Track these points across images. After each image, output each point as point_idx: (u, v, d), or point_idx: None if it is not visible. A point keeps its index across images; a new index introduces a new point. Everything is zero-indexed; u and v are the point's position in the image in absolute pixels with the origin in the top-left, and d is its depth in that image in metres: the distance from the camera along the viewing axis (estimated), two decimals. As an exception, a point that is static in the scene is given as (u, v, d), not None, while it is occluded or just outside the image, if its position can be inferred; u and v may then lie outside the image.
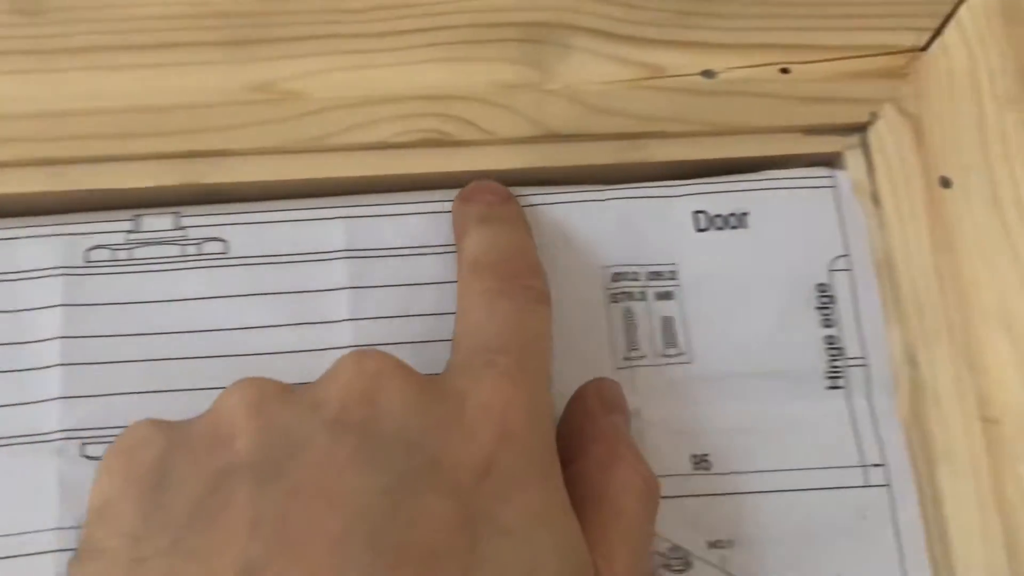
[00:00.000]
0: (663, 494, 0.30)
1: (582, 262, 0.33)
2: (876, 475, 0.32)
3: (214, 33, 0.34)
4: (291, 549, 0.24)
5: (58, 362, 0.31)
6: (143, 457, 0.27)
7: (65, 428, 0.31)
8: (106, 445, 0.30)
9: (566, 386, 0.32)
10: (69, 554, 0.30)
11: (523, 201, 0.34)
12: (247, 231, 0.33)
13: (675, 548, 0.31)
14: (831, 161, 0.35)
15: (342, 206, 0.33)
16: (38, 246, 0.32)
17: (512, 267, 0.31)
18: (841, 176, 0.34)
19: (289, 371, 0.31)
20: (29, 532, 0.30)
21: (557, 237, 0.33)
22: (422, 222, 0.33)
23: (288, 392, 0.27)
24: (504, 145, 0.34)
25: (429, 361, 0.32)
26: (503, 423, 0.26)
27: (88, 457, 0.31)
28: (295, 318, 0.32)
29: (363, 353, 0.28)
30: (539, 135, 0.34)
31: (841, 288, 0.33)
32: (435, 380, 0.28)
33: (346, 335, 0.32)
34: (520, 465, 0.26)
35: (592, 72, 0.34)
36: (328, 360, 0.31)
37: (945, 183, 0.33)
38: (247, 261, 0.33)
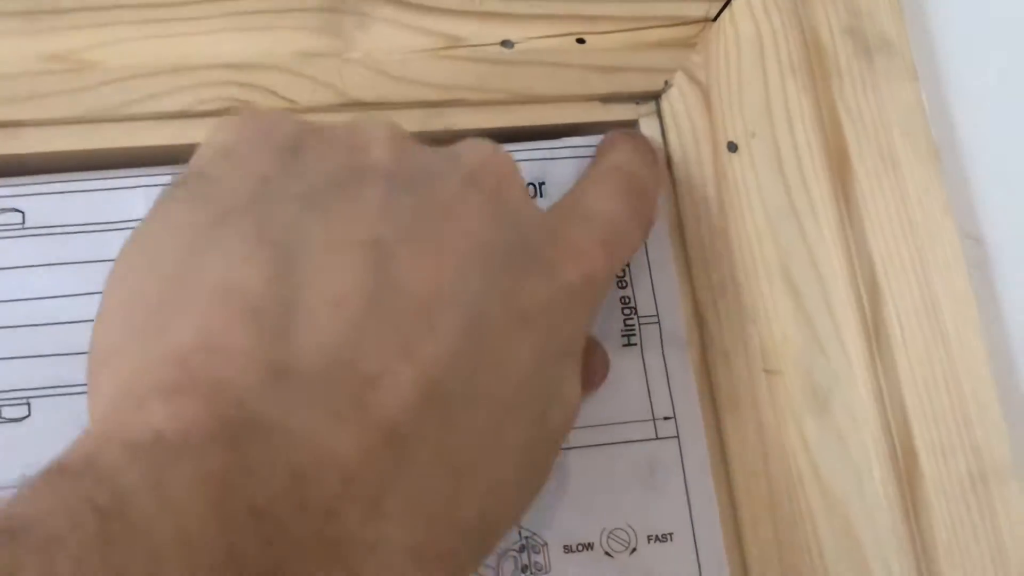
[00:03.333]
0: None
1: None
2: (666, 428, 0.33)
3: (10, 3, 0.34)
4: (420, 243, 0.24)
5: None
6: (280, 126, 0.28)
7: None
8: None
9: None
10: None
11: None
12: (44, 201, 0.33)
13: (471, 503, 0.32)
14: (627, 128, 0.36)
15: (142, 175, 0.33)
16: None
17: (650, 191, 0.32)
18: (637, 143, 0.36)
19: (85, 339, 0.32)
20: None
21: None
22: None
23: (420, 143, 0.28)
24: (306, 114, 0.34)
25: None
26: (588, 267, 0.28)
27: None
28: (95, 287, 0.32)
29: (497, 147, 0.29)
30: (341, 103, 0.34)
31: (636, 250, 0.35)
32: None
33: (146, 303, 0.32)
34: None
35: (392, 41, 0.35)
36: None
37: (732, 147, 0.35)
38: (45, 231, 0.33)
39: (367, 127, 0.28)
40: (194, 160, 0.28)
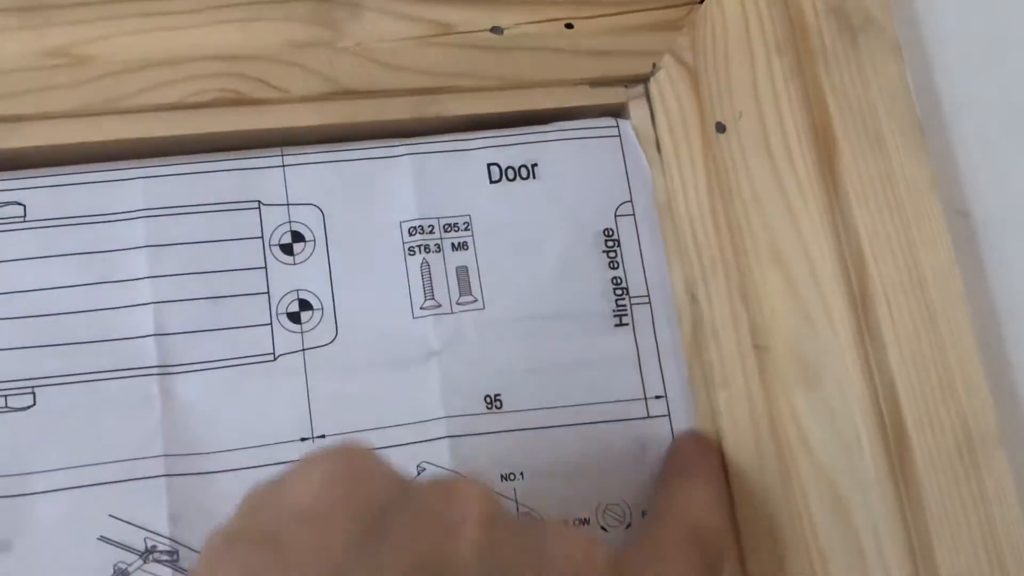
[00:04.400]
0: (458, 433, 0.32)
1: (379, 217, 0.35)
2: (657, 406, 0.34)
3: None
4: None
5: None
6: (368, 486, 0.25)
7: None
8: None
9: (367, 341, 0.33)
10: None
11: (319, 158, 0.35)
12: (45, 194, 0.33)
13: (468, 483, 0.33)
14: (617, 111, 0.36)
15: (140, 167, 0.34)
16: None
17: (721, 544, 0.31)
18: (626, 126, 0.36)
19: (90, 329, 0.33)
20: None
21: (353, 193, 0.35)
22: (217, 180, 0.34)
23: (515, 519, 0.27)
24: (299, 103, 0.35)
25: (227, 312, 0.33)
26: None
27: None
28: (95, 277, 0.33)
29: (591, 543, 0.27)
30: (333, 92, 0.35)
31: (626, 232, 0.35)
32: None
33: (145, 292, 0.33)
34: None
35: (383, 30, 0.35)
36: (130, 317, 0.32)
37: (720, 128, 0.35)
38: (46, 224, 0.33)
39: (461, 498, 0.26)
40: (272, 500, 0.26)
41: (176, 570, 0.31)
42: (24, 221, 0.33)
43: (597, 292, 0.35)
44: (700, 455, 0.33)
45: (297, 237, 0.34)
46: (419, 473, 0.33)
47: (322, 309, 0.34)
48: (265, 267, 0.34)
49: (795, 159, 0.35)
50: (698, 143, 0.35)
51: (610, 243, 0.35)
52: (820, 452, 0.33)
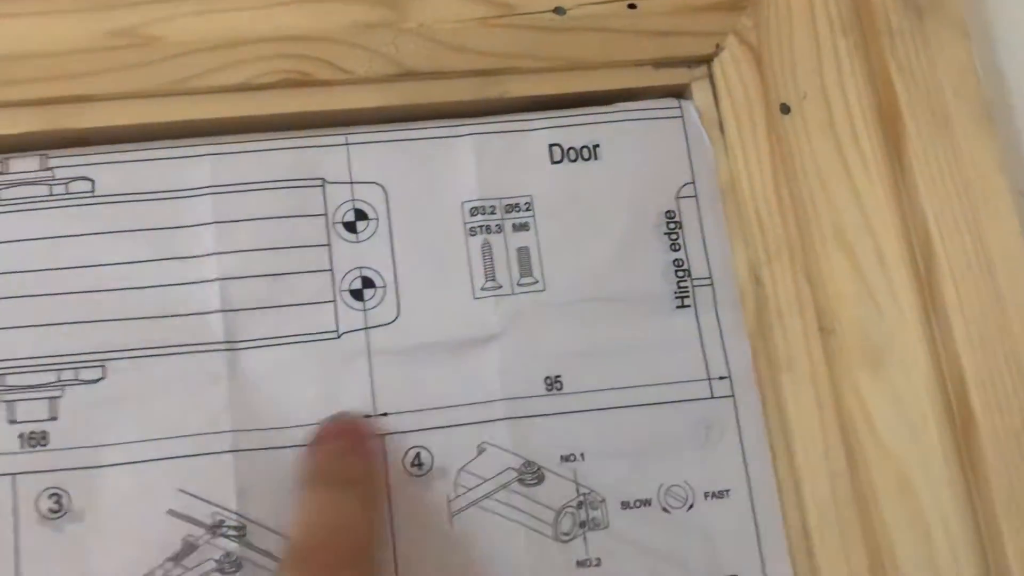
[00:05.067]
0: (518, 415, 0.33)
1: (441, 197, 0.35)
2: (721, 387, 0.34)
3: (76, -19, 0.35)
4: None
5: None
6: None
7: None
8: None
9: (428, 321, 0.34)
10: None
11: (383, 138, 0.35)
12: (113, 170, 0.34)
13: (528, 463, 0.33)
14: (679, 92, 0.36)
15: (207, 144, 0.34)
16: (-94, 191, 0.33)
17: (336, 555, 0.29)
18: (688, 106, 0.36)
19: (158, 304, 0.33)
20: None
21: (416, 172, 0.35)
22: (283, 158, 0.34)
23: None
24: (363, 84, 0.35)
25: (292, 289, 0.33)
26: None
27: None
28: (163, 253, 0.33)
29: None
30: (397, 73, 0.35)
31: (688, 214, 0.35)
32: None
33: (212, 268, 0.33)
34: None
35: (447, 11, 0.35)
36: (197, 293, 0.33)
37: (785, 109, 0.35)
38: (114, 199, 0.34)
39: None
40: None
41: (242, 545, 0.32)
42: (93, 196, 0.34)
43: (658, 274, 0.35)
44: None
45: (360, 215, 0.34)
46: (479, 453, 0.33)
47: (385, 287, 0.34)
48: (329, 244, 0.34)
49: (860, 139, 0.34)
50: (762, 124, 0.35)
51: (672, 225, 0.35)
52: (886, 434, 0.33)
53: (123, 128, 0.34)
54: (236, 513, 0.32)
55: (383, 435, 0.33)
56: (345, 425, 0.33)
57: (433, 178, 0.35)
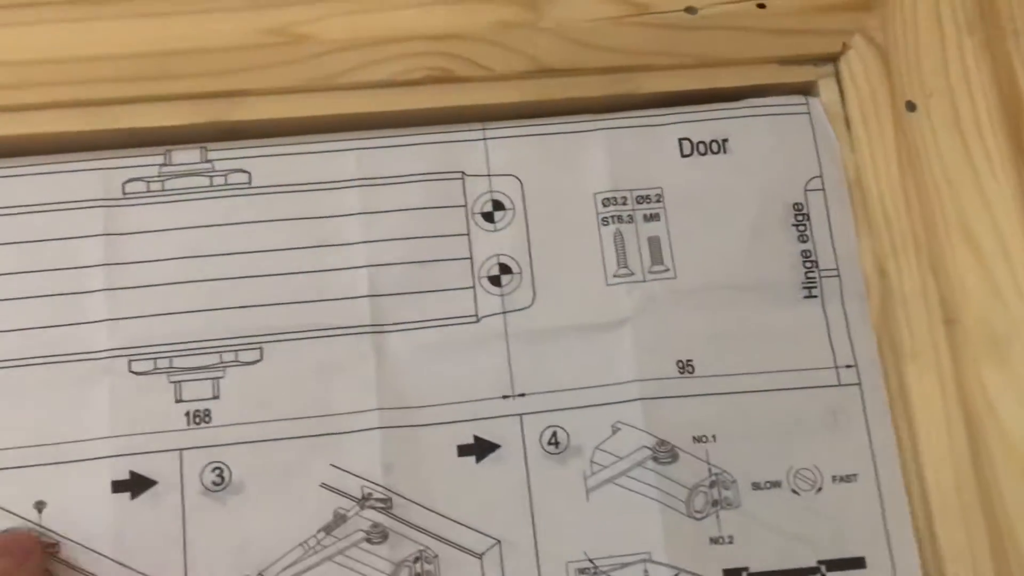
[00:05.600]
0: (651, 396, 0.34)
1: (574, 188, 0.36)
2: (848, 375, 0.35)
3: (232, -18, 0.37)
4: None
5: (102, 287, 0.35)
6: None
7: (113, 347, 0.34)
8: (150, 362, 0.34)
9: (563, 306, 0.35)
10: (116, 460, 0.33)
11: (519, 132, 0.36)
12: (268, 163, 0.36)
13: (662, 443, 0.34)
14: (806, 89, 0.37)
15: (353, 139, 0.36)
16: (80, 179, 0.35)
17: None
18: (815, 103, 0.37)
19: (310, 289, 0.35)
20: (84, 440, 0.33)
21: (551, 165, 0.36)
22: (425, 152, 0.36)
23: None
24: (501, 80, 0.36)
25: (433, 275, 0.35)
26: None
27: (134, 372, 0.34)
28: (314, 241, 0.35)
29: None
30: (533, 70, 0.36)
31: (815, 206, 0.36)
32: None
33: (360, 256, 0.35)
34: None
35: (582, 10, 0.37)
36: (346, 279, 0.35)
37: (911, 107, 0.36)
38: (268, 190, 0.36)
39: None
40: None
41: (389, 516, 0.33)
42: (250, 187, 0.36)
43: (786, 264, 0.36)
44: None
45: (498, 205, 0.36)
46: (614, 432, 0.34)
47: (521, 274, 0.36)
48: (468, 233, 0.36)
49: (986, 136, 0.35)
50: (888, 121, 0.36)
51: (800, 217, 0.36)
52: (1009, 423, 0.33)
53: (275, 122, 0.36)
54: (383, 486, 0.34)
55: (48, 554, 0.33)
56: (8, 541, 0.33)
57: (567, 170, 0.36)
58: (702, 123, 0.37)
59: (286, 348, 0.34)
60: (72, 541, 0.33)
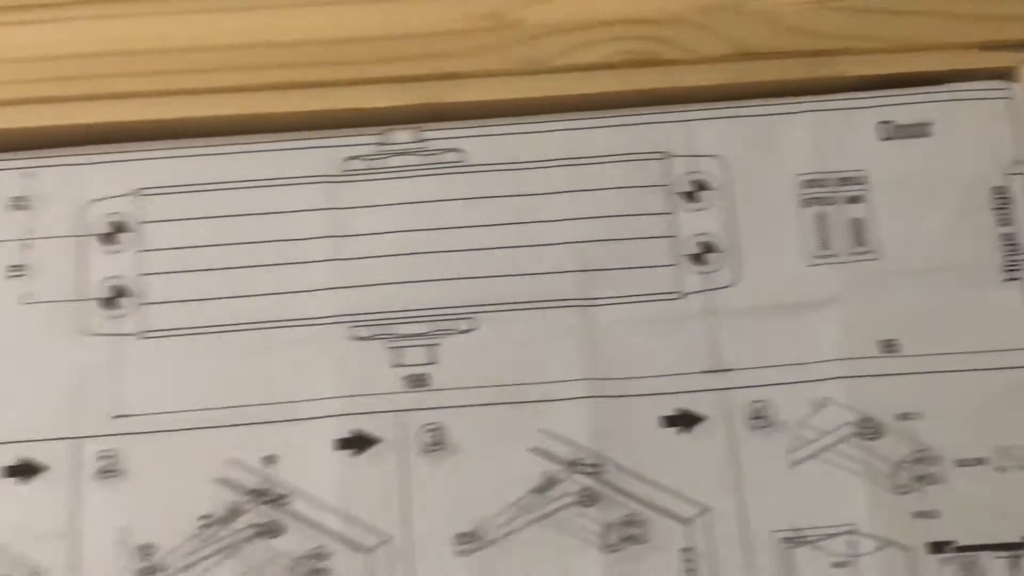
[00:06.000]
0: (856, 374, 0.35)
1: (777, 169, 0.37)
2: (1051, 357, 0.35)
3: (447, -29, 0.38)
4: None
5: (325, 257, 0.37)
6: None
7: (335, 314, 0.36)
8: (371, 328, 0.36)
9: (766, 285, 0.36)
10: (340, 419, 0.35)
11: (721, 114, 0.37)
12: (479, 142, 0.37)
13: (866, 419, 0.35)
14: (1007, 74, 0.38)
15: (561, 120, 0.38)
16: (303, 157, 0.37)
17: None
18: (1016, 88, 0.37)
19: (519, 262, 0.36)
20: (310, 400, 0.35)
21: (753, 146, 0.37)
22: (629, 133, 0.37)
23: None
24: (704, 64, 0.37)
25: (637, 252, 0.36)
26: None
27: (357, 338, 0.36)
28: (521, 217, 0.37)
29: None
30: (736, 53, 0.37)
31: (1018, 190, 0.37)
32: None
33: (566, 232, 0.37)
34: None
35: (786, -4, 0.38)
36: (553, 254, 0.36)
37: (1116, 91, 0.36)
38: (480, 168, 0.37)
39: None
40: None
41: (598, 481, 0.35)
42: (462, 165, 0.37)
43: (987, 247, 0.36)
44: None
45: (700, 186, 0.37)
46: (818, 408, 0.35)
47: (723, 252, 0.37)
48: (671, 212, 0.37)
49: None
50: (1094, 105, 0.36)
51: (1001, 200, 0.36)
52: None
53: (486, 103, 0.38)
54: (592, 452, 0.35)
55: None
56: None
57: (769, 152, 0.37)
58: (904, 107, 0.37)
59: (497, 318, 0.36)
60: (300, 493, 0.35)
